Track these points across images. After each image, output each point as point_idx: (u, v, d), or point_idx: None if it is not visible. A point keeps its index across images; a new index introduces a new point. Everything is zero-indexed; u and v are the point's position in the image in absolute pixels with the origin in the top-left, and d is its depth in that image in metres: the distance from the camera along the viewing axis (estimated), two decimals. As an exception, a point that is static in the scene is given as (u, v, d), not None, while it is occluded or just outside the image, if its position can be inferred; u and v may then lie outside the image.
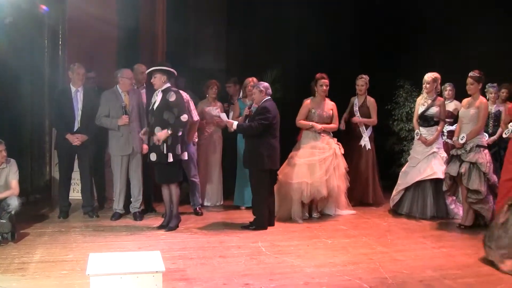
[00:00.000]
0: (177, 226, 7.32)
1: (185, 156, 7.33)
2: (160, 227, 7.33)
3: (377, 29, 10.80)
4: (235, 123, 7.58)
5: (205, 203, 8.90)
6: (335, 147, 8.20)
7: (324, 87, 8.25)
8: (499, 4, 9.32)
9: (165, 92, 7.16)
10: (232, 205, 8.87)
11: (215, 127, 8.83)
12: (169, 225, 7.27)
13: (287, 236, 7.07)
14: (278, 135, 7.52)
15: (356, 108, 9.09)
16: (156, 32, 9.50)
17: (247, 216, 7.71)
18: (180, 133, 7.20)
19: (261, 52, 10.32)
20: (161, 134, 7.07)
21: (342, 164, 8.22)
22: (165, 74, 7.20)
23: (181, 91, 8.03)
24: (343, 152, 8.28)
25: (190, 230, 7.33)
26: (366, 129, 9.05)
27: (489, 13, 9.35)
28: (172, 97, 7.11)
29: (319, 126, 8.20)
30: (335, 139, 8.37)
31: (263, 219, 7.41)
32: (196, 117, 8.17)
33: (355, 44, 10.38)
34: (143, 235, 6.99)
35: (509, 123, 7.27)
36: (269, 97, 7.52)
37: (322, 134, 8.22)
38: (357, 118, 8.91)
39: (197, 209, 8.36)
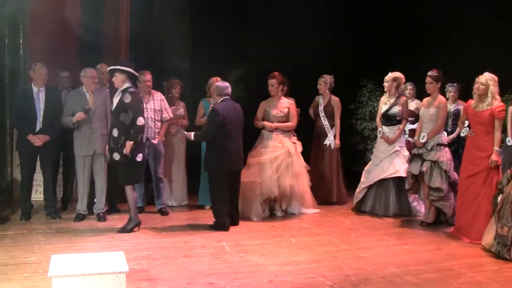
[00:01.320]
0: (133, 229, 7.17)
1: (139, 157, 7.15)
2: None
3: (340, 29, 10.84)
4: (192, 134, 7.62)
5: (170, 203, 8.89)
6: (288, 146, 8.22)
7: (270, 87, 8.38)
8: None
9: (123, 92, 7.08)
10: (197, 204, 8.86)
11: (179, 127, 8.83)
12: (125, 227, 7.17)
13: (251, 235, 7.10)
14: (235, 136, 7.43)
15: (321, 108, 9.14)
16: (120, 30, 9.41)
17: (212, 216, 7.66)
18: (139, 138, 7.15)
19: (226, 51, 10.30)
20: (127, 148, 6.96)
21: (298, 162, 8.24)
22: (124, 74, 7.10)
23: (157, 92, 8.30)
24: (300, 151, 8.33)
25: (155, 230, 7.30)
26: (331, 128, 9.11)
27: (456, 14, 9.54)
28: (128, 99, 7.01)
29: (269, 125, 8.28)
30: (295, 138, 8.41)
31: (223, 221, 7.37)
32: (170, 114, 8.39)
33: (320, 42, 10.40)
34: (107, 236, 6.94)
35: (465, 121, 7.43)
36: (226, 97, 7.49)
37: (275, 133, 8.28)
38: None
39: (162, 208, 8.35)
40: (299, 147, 8.35)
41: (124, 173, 7.15)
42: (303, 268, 5.71)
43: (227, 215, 7.41)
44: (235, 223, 7.54)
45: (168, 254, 6.16)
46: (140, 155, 7.14)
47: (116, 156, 7.08)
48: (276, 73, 8.37)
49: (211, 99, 8.63)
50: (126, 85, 7.12)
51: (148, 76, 8.15)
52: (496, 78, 6.95)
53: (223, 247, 6.48)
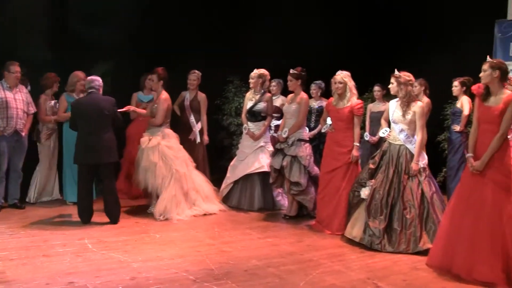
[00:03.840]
0: None
1: None
2: None
3: (209, 25, 10.87)
4: None
5: (30, 200, 8.52)
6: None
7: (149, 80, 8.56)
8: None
9: None
10: (59, 199, 8.63)
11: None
12: None
13: (115, 232, 7.00)
14: (91, 129, 7.25)
15: (187, 103, 9.12)
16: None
17: (73, 212, 7.53)
18: None
19: (95, 45, 10.00)
20: None
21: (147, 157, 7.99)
22: None
23: (22, 86, 8.14)
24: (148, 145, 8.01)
25: (12, 229, 6.97)
26: (196, 122, 9.12)
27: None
28: None
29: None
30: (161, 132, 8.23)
31: (79, 212, 7.34)
32: (34, 108, 8.30)
33: (187, 38, 10.37)
34: (-41, 237, 6.56)
35: (326, 118, 7.74)
36: (91, 91, 7.42)
37: None
38: None
39: (17, 203, 8.13)
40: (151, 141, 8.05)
41: None
42: (167, 263, 5.72)
43: (85, 209, 7.34)
44: (111, 221, 7.40)
45: (27, 254, 5.93)
46: None
47: None
48: (159, 68, 8.21)
49: (73, 93, 8.44)
50: None
51: (18, 68, 8.05)
52: (349, 73, 7.34)
53: (85, 245, 6.33)
